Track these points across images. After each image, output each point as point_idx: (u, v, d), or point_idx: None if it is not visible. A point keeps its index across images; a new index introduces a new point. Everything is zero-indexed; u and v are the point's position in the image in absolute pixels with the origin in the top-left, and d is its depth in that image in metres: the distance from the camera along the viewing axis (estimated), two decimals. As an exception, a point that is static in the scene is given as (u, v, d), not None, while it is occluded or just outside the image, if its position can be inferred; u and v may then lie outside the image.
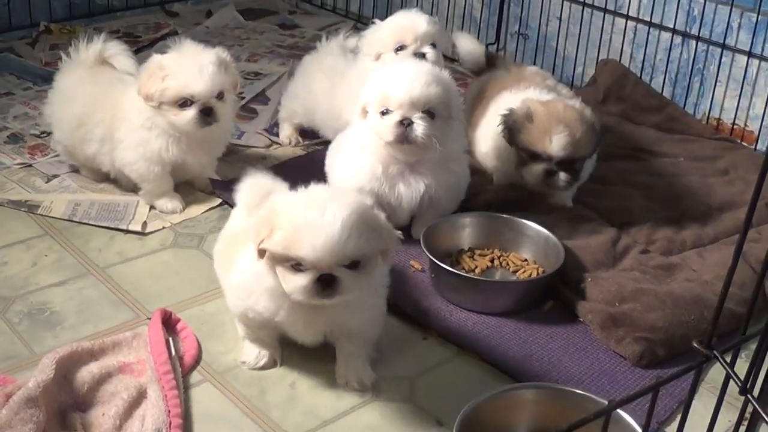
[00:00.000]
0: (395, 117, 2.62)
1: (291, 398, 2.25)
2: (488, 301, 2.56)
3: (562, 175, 2.84)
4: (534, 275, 2.68)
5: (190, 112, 2.81)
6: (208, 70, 2.80)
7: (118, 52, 3.09)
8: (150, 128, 2.88)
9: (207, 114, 2.82)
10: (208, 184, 3.12)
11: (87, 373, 2.21)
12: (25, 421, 1.94)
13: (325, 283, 1.99)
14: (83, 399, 2.17)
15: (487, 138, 3.09)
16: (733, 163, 3.33)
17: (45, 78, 3.83)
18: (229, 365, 2.35)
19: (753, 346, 1.62)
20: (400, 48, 3.10)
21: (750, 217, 1.36)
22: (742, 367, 1.43)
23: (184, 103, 2.81)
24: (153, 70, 2.81)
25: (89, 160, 3.06)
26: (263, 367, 2.32)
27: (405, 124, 2.61)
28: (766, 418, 1.42)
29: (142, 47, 4.23)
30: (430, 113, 2.63)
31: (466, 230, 2.82)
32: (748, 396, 1.49)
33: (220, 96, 2.86)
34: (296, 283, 2.01)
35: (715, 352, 1.43)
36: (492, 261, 2.75)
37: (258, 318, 2.22)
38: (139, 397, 2.18)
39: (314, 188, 2.09)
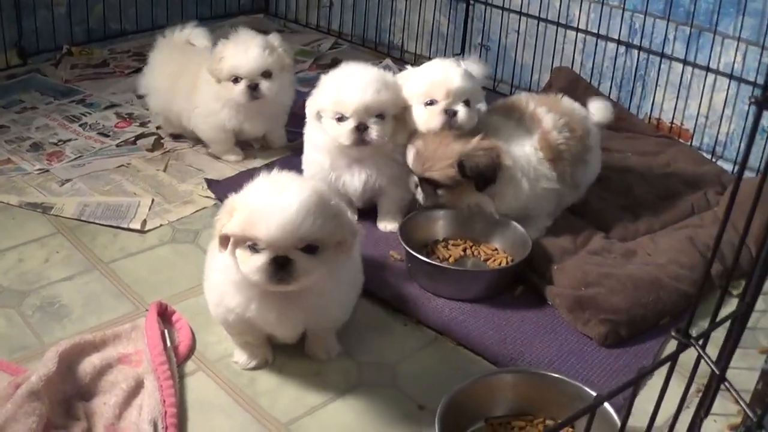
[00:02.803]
0: (351, 123, 2.38)
1: (279, 386, 1.94)
2: (462, 289, 2.25)
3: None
4: (504, 264, 2.36)
5: (239, 87, 2.83)
6: (254, 52, 2.81)
7: (196, 32, 3.14)
8: (217, 100, 2.91)
9: (253, 89, 2.83)
10: (276, 139, 3.16)
11: (89, 364, 1.94)
12: (29, 414, 1.71)
13: (280, 264, 1.67)
14: (86, 389, 1.90)
15: None
16: (674, 157, 3.05)
17: (64, 93, 3.55)
18: (221, 354, 2.03)
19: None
20: (430, 103, 2.42)
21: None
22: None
23: (234, 79, 2.82)
24: (216, 53, 2.87)
25: (177, 116, 3.07)
26: (255, 368, 1.99)
27: (361, 129, 2.38)
28: (739, 399, 1.18)
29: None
30: (381, 116, 2.39)
31: (440, 222, 2.48)
32: (726, 383, 1.25)
33: (266, 75, 2.84)
34: (252, 263, 1.68)
35: (692, 340, 1.19)
36: (465, 251, 2.43)
37: (236, 319, 1.88)
38: (137, 387, 1.90)
39: (276, 174, 1.77)
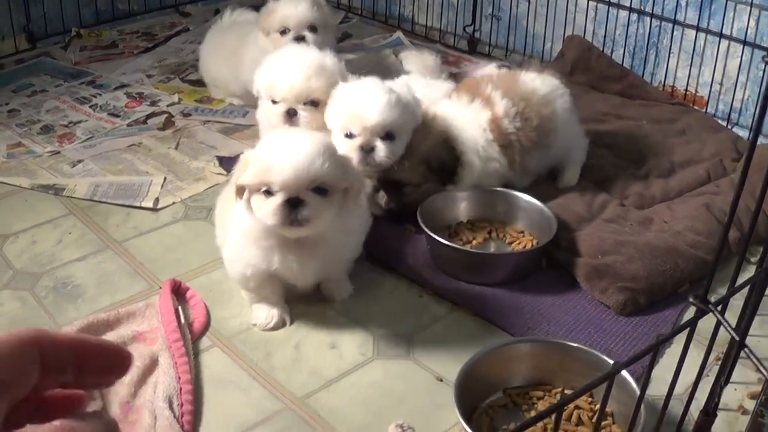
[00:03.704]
0: (282, 107, 2.37)
1: (295, 360, 1.91)
2: (486, 273, 2.15)
3: None
4: (528, 246, 2.25)
5: (287, 37, 2.98)
6: (303, 6, 2.98)
7: (242, 13, 3.44)
8: (265, 52, 2.89)
9: (299, 40, 2.95)
10: None
11: (103, 343, 1.89)
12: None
13: (293, 205, 1.74)
14: (101, 368, 1.85)
15: None
16: (688, 124, 3.00)
17: (74, 75, 3.51)
18: (236, 330, 2.00)
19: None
20: (284, 31, 2.95)
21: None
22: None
23: (282, 32, 2.99)
24: (268, 9, 3.06)
25: (219, 78, 3.27)
26: (274, 327, 1.99)
27: (291, 114, 2.37)
28: (760, 366, 1.13)
29: (158, 43, 3.87)
30: (315, 103, 2.35)
31: (463, 204, 2.37)
32: (746, 349, 1.22)
33: (312, 29, 2.98)
34: (267, 206, 1.76)
35: (710, 306, 1.16)
36: (490, 233, 2.33)
37: (254, 273, 1.93)
38: (152, 365, 1.86)
39: (285, 129, 1.92)
